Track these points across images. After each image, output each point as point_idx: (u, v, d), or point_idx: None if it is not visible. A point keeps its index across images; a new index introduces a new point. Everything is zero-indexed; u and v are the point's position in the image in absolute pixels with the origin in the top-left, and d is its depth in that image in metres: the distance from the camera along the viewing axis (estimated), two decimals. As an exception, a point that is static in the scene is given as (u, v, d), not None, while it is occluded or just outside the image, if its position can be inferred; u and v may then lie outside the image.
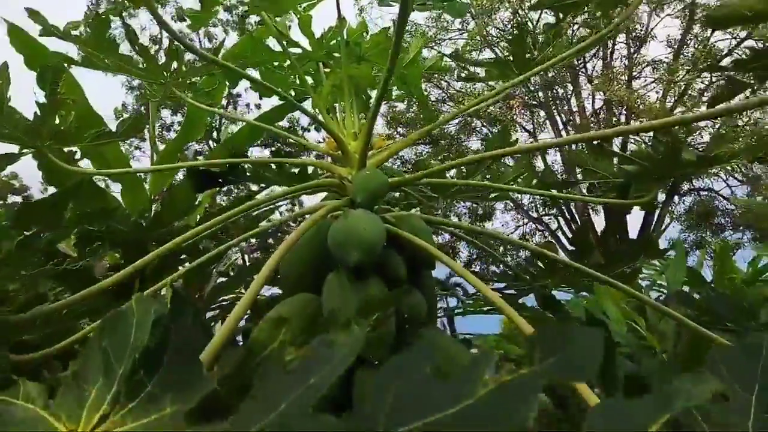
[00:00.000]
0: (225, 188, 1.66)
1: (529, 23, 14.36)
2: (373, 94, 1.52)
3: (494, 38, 16.16)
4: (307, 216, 1.21)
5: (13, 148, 1.17)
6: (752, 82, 0.88)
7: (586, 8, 1.29)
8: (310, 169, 1.52)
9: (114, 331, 0.43)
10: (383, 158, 1.26)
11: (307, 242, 1.09)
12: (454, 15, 1.21)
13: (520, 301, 1.83)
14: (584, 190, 1.63)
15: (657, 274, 3.17)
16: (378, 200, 1.12)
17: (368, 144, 1.17)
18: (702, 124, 14.10)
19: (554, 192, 1.45)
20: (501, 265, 1.61)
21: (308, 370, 0.33)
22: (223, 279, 2.77)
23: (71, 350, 1.06)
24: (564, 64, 1.64)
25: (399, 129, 15.59)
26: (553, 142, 1.08)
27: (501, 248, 16.35)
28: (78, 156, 1.47)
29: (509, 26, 15.96)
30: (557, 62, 1.28)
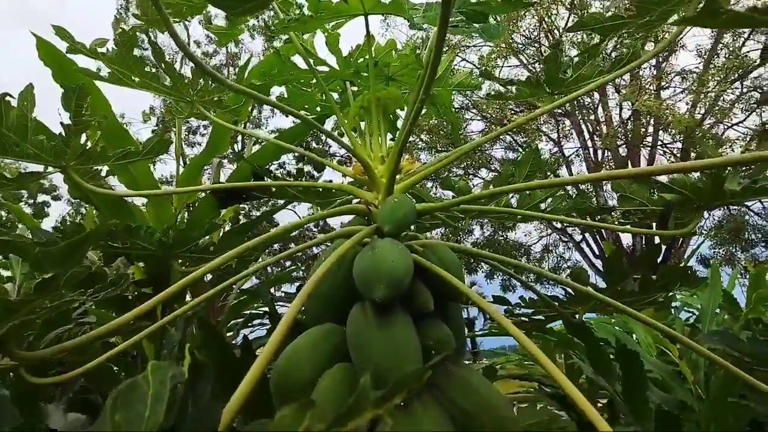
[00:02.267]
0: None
1: (553, 34, 14.21)
2: (402, 113, 1.49)
3: (519, 46, 16.04)
4: (328, 244, 1.18)
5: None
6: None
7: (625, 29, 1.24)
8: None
9: (128, 406, 0.40)
10: (412, 182, 1.22)
11: (331, 271, 1.06)
12: (489, 38, 1.17)
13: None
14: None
15: (688, 296, 3.07)
16: (405, 229, 1.09)
17: (396, 169, 1.13)
18: (733, 136, 13.80)
19: (588, 221, 1.39)
20: (529, 291, 1.55)
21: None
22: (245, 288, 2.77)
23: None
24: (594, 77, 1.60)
25: (422, 136, 15.55)
26: (597, 177, 1.02)
27: (524, 259, 16.22)
28: (105, 172, 1.46)
29: (535, 33, 15.83)
30: (593, 88, 1.23)
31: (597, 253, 14.68)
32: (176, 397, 0.41)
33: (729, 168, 1.04)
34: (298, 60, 1.48)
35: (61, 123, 1.01)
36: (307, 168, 17.54)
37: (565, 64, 1.46)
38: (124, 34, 1.21)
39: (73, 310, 1.38)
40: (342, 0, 1.13)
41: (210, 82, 1.32)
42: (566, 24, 15.29)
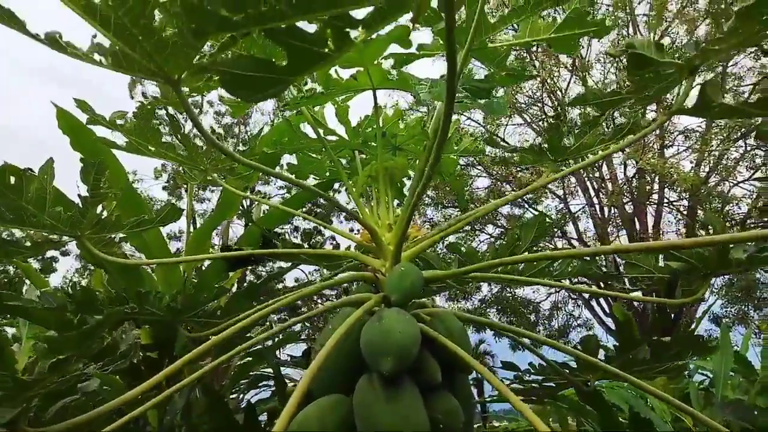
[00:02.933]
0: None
1: (558, 92, 14.56)
2: (408, 182, 1.52)
3: (523, 105, 16.39)
4: (338, 310, 1.19)
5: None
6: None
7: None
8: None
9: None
10: (419, 250, 1.23)
11: (339, 342, 1.06)
12: (493, 113, 1.22)
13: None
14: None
15: (701, 358, 3.00)
16: (412, 298, 1.09)
17: (403, 237, 1.15)
18: (739, 194, 13.83)
19: (595, 288, 1.39)
20: (539, 358, 1.53)
21: None
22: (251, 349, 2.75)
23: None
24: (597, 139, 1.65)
25: (428, 192, 15.66)
26: (604, 250, 1.03)
27: (532, 316, 15.97)
28: (118, 238, 1.49)
29: (537, 94, 16.22)
30: (597, 159, 1.26)
31: (607, 311, 14.43)
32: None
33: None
34: (308, 129, 1.53)
35: (79, 195, 1.05)
36: (314, 224, 17.59)
37: (567, 132, 1.50)
38: (142, 108, 1.27)
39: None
40: (351, 77, 1.18)
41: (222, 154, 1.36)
42: (568, 84, 15.68)
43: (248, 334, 1.62)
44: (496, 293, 16.28)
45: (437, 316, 1.11)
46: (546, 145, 1.56)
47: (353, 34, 0.60)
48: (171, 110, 1.26)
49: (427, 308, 1.18)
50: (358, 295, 1.18)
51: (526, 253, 1.70)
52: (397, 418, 0.92)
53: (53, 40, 0.70)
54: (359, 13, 0.58)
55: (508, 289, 16.09)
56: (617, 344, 1.40)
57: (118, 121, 1.29)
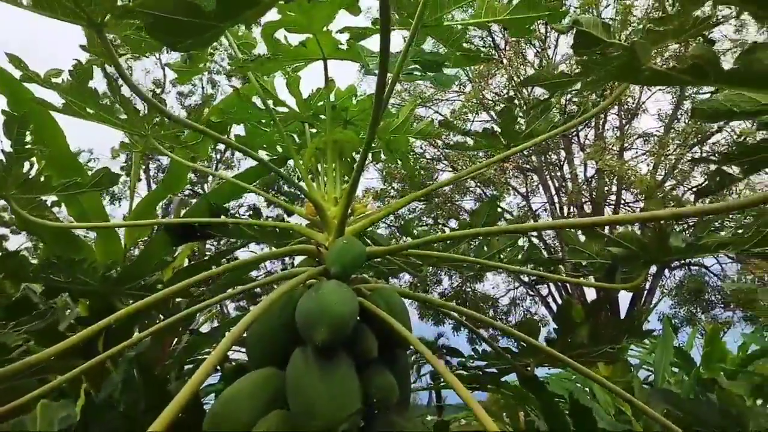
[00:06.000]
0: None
1: (524, 91, 14.78)
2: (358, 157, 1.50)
3: (490, 102, 16.57)
4: (280, 283, 1.16)
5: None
6: (740, 176, 0.86)
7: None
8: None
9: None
10: (363, 226, 1.21)
11: (276, 312, 1.03)
12: (442, 86, 1.20)
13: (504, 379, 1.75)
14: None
15: (646, 354, 3.09)
16: (353, 271, 1.07)
17: (347, 211, 1.13)
18: (693, 199, 14.30)
19: (539, 271, 1.40)
20: (482, 342, 1.54)
21: None
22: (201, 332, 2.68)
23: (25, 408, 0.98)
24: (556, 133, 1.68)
25: (394, 185, 15.70)
26: (540, 225, 1.04)
27: (491, 311, 16.23)
28: (50, 203, 1.42)
29: (505, 91, 16.41)
30: (543, 140, 1.27)
31: (563, 308, 14.75)
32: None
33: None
34: (259, 101, 1.49)
35: (2, 151, 0.99)
36: (277, 212, 17.36)
37: (520, 117, 1.51)
38: (79, 66, 1.20)
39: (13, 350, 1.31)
40: (300, 44, 1.15)
41: (165, 119, 1.31)
42: (533, 88, 15.88)
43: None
44: (456, 287, 16.48)
45: (378, 291, 1.09)
46: (499, 129, 1.56)
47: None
48: (109, 71, 1.20)
49: (369, 283, 1.16)
50: (297, 269, 1.16)
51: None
52: (329, 393, 0.90)
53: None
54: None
55: (467, 284, 16.30)
56: (556, 327, 1.42)
57: (54, 80, 1.22)
